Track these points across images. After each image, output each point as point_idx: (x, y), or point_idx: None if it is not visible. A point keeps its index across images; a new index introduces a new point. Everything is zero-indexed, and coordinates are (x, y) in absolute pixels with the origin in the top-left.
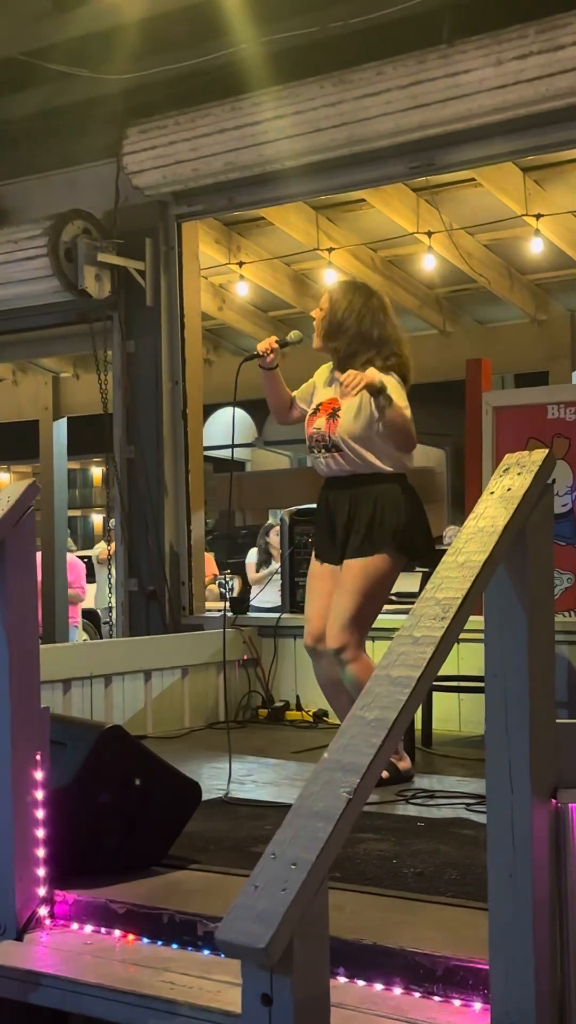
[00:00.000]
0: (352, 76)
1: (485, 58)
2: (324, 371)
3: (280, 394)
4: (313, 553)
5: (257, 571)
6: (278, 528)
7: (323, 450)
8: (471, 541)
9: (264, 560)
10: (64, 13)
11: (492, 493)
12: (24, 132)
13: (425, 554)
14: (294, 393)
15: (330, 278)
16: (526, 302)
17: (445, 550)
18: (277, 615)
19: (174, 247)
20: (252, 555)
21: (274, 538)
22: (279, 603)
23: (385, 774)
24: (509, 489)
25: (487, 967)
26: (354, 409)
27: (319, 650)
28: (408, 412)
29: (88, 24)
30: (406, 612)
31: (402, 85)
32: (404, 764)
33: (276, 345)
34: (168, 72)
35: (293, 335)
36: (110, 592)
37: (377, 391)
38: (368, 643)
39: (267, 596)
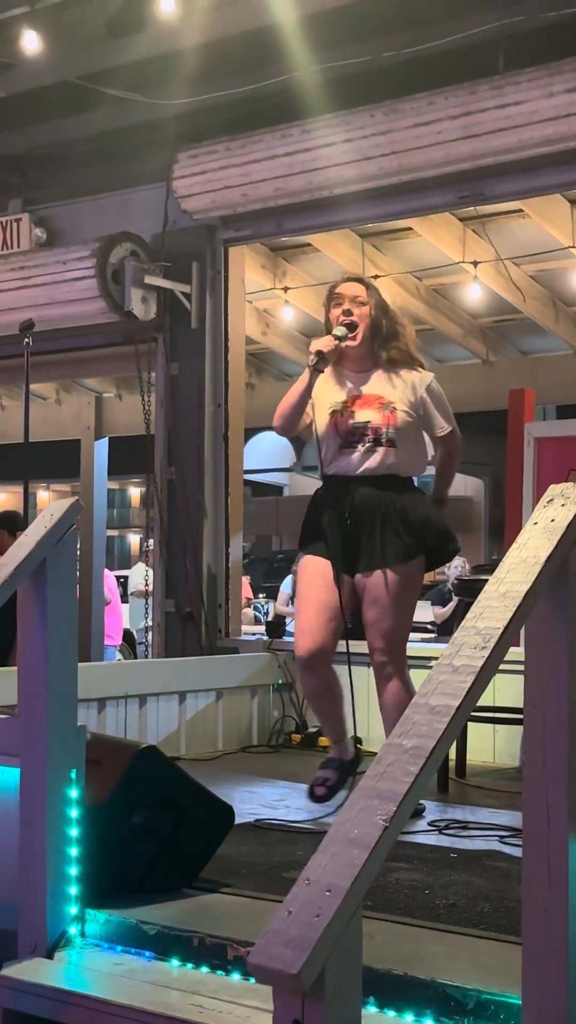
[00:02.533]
0: (403, 105)
1: (537, 90)
2: (329, 376)
3: (307, 401)
4: (309, 552)
5: (289, 602)
6: None
7: (372, 443)
8: (513, 571)
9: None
10: (120, 38)
11: (536, 524)
12: (77, 155)
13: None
14: None
15: None
16: (570, 333)
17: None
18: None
19: (220, 271)
20: (287, 583)
21: None
22: None
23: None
24: (553, 520)
25: (519, 1002)
26: (405, 407)
27: (315, 666)
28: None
29: (143, 49)
30: (439, 640)
31: (453, 115)
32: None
33: (336, 343)
34: (220, 98)
35: (340, 331)
36: (146, 614)
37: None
38: None
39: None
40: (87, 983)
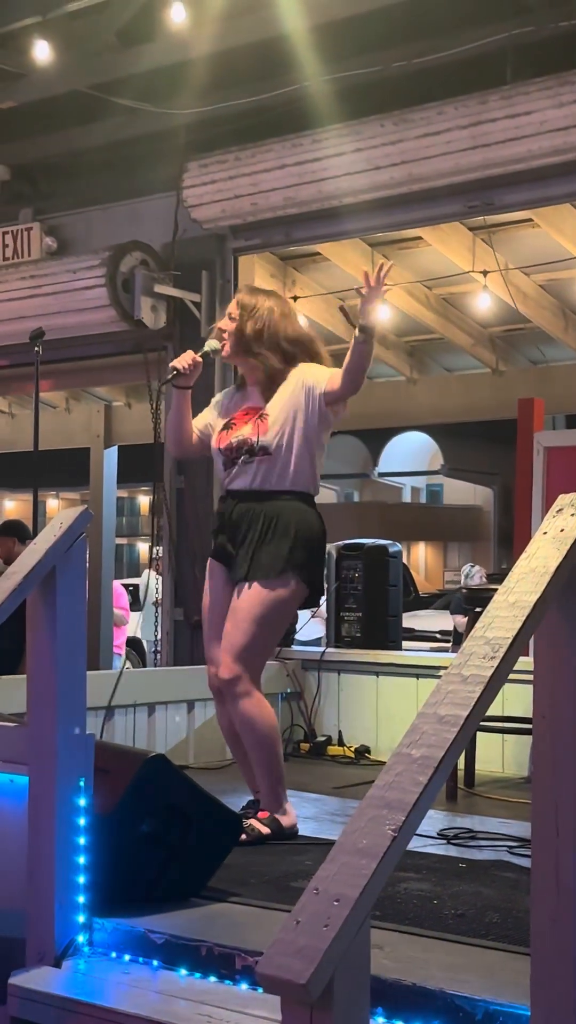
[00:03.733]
0: (413, 115)
1: (546, 100)
2: (225, 393)
3: (188, 419)
4: (211, 560)
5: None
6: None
7: (246, 454)
8: (523, 581)
9: None
10: (130, 48)
11: (545, 533)
12: (88, 164)
13: (319, 590)
14: (193, 421)
15: (383, 314)
16: None
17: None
18: (321, 649)
19: (230, 280)
20: None
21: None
22: (322, 635)
23: (266, 830)
24: (563, 530)
25: (528, 1013)
26: (287, 414)
27: (226, 694)
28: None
29: (154, 59)
30: (446, 650)
31: (463, 125)
32: (288, 820)
33: (199, 359)
34: (230, 108)
35: (211, 344)
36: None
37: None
38: (413, 680)
39: (309, 629)
40: (95, 992)
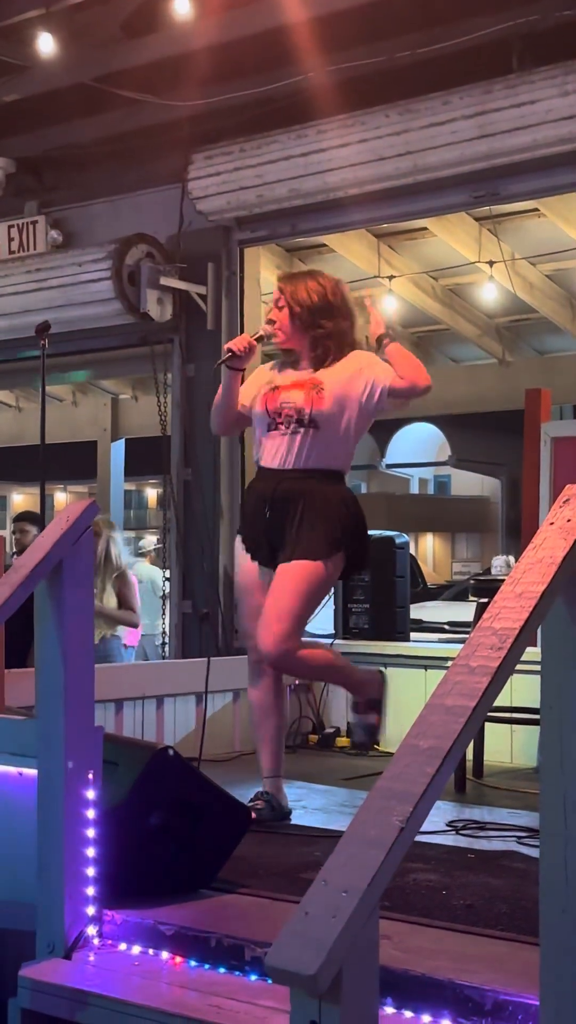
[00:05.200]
0: (418, 105)
1: (552, 88)
2: (271, 365)
3: (236, 400)
4: (245, 550)
5: None
6: None
7: (296, 423)
8: (529, 572)
9: None
10: (134, 40)
11: (552, 524)
12: (92, 157)
13: (362, 564)
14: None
15: (389, 305)
16: None
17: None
18: (330, 641)
19: (236, 272)
20: None
21: None
22: (331, 630)
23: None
24: (569, 520)
25: (537, 1003)
26: (344, 392)
27: (262, 668)
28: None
29: (158, 51)
30: (459, 641)
31: (468, 115)
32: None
33: (254, 343)
34: (235, 99)
35: (265, 328)
36: (163, 614)
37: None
38: (421, 672)
39: (317, 622)
40: (105, 984)
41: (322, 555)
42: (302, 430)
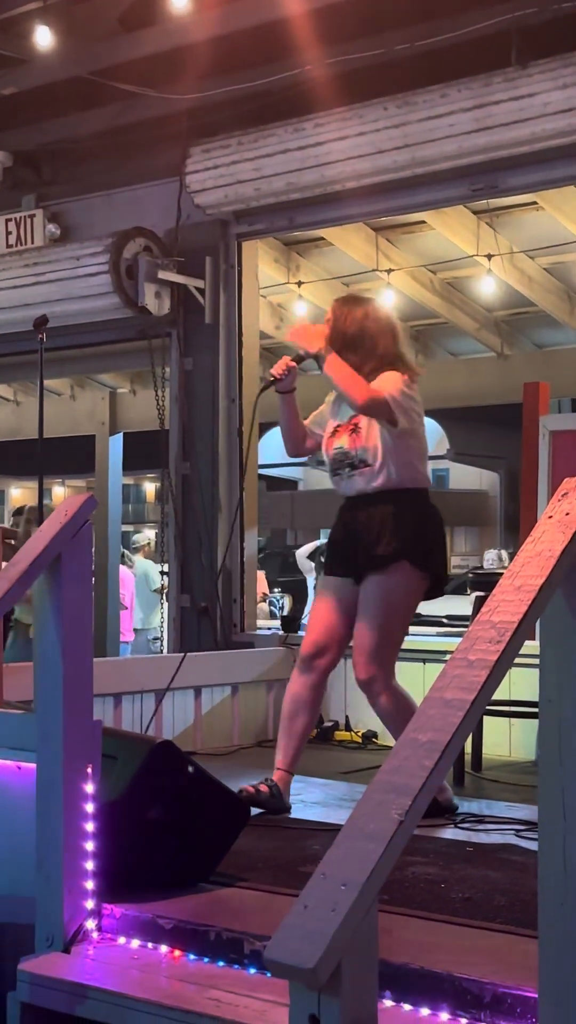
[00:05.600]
0: (416, 98)
1: (550, 82)
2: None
3: (296, 421)
4: (324, 571)
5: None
6: (307, 548)
7: (347, 468)
8: (528, 565)
9: None
10: (132, 33)
11: (551, 517)
12: (89, 150)
13: (443, 576)
14: (306, 421)
15: (388, 298)
16: None
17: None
18: None
19: (234, 266)
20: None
21: (302, 560)
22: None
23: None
24: (568, 514)
25: (536, 995)
26: (372, 423)
27: (313, 663)
28: (396, 394)
29: (155, 44)
30: (457, 635)
31: (466, 108)
32: (444, 796)
33: (293, 364)
34: (233, 92)
35: (300, 352)
36: (160, 609)
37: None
38: (419, 665)
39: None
40: (104, 977)
41: (392, 569)
42: (356, 471)
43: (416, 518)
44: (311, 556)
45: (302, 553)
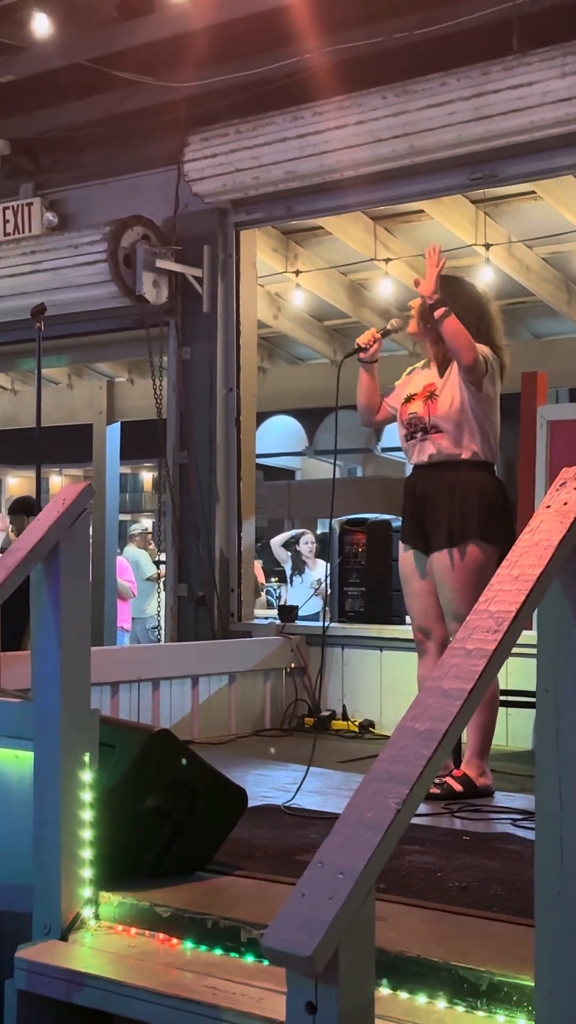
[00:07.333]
0: (415, 87)
1: (549, 70)
2: (417, 367)
3: (374, 392)
4: (401, 541)
5: (291, 581)
6: (308, 537)
7: (420, 432)
8: (526, 555)
9: (298, 569)
10: (130, 21)
11: (548, 507)
12: (88, 138)
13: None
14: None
15: (386, 288)
16: None
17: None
18: (325, 624)
19: (232, 255)
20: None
21: (304, 547)
22: (317, 611)
23: (458, 787)
24: (566, 503)
25: (532, 984)
26: (452, 393)
27: (425, 647)
28: (487, 351)
29: (154, 32)
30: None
31: (465, 96)
32: (484, 780)
33: (379, 336)
34: (231, 80)
35: (393, 323)
36: (157, 597)
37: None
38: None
39: (308, 606)
40: (101, 965)
41: (466, 540)
42: (429, 436)
43: (488, 492)
44: (285, 545)
45: (276, 542)
